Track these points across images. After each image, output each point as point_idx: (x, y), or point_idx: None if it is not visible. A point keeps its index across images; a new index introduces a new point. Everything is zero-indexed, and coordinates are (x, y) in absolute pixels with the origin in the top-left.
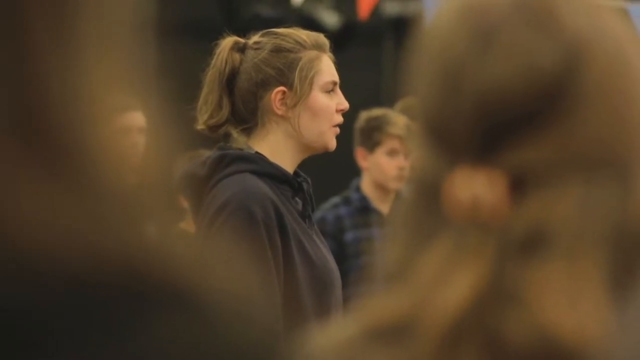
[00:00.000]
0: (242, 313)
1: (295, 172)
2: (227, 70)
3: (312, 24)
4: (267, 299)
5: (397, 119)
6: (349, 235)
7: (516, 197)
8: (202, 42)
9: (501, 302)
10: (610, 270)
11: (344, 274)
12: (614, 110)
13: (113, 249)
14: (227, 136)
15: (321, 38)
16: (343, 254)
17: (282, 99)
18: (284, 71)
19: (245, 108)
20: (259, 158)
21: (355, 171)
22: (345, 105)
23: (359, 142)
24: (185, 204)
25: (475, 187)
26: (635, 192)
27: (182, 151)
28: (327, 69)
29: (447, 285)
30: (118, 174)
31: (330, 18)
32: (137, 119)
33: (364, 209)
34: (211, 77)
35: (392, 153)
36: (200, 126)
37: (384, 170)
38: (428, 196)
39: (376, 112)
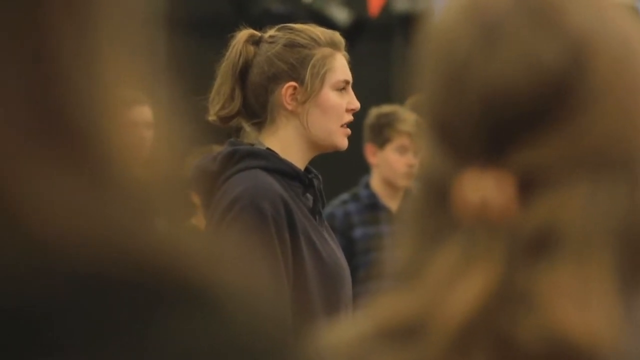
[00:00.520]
0: (253, 308)
1: (306, 169)
2: (240, 62)
3: (322, 20)
4: (277, 294)
5: (407, 116)
6: (358, 232)
7: (524, 198)
8: (212, 38)
9: (511, 304)
10: (619, 270)
11: (353, 271)
12: (621, 107)
13: (125, 244)
14: (238, 131)
15: (336, 36)
16: (351, 251)
17: (293, 94)
18: (296, 66)
19: (256, 101)
20: (270, 154)
21: (365, 168)
22: (356, 105)
23: (368, 139)
24: (196, 199)
25: (484, 189)
26: None
27: (193, 146)
28: (340, 68)
29: (457, 286)
30: (130, 168)
31: (341, 14)
32: (144, 113)
33: (373, 206)
34: (225, 69)
35: (401, 150)
36: (211, 117)
37: (393, 167)
38: (436, 196)
39: (386, 108)
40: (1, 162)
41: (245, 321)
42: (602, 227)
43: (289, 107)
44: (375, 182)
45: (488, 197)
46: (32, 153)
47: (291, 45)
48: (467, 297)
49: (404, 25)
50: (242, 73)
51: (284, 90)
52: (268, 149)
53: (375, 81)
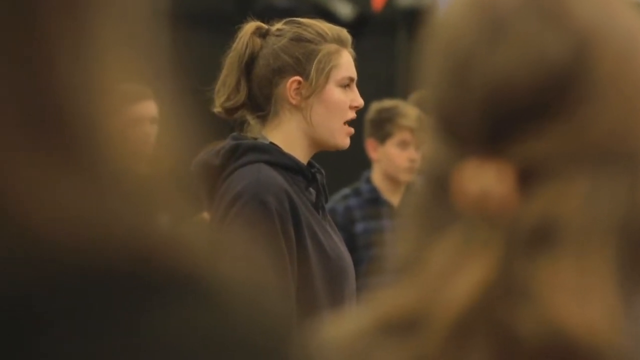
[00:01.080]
0: (255, 301)
1: (309, 163)
2: (247, 53)
3: (325, 15)
4: (281, 288)
5: (409, 111)
6: (359, 227)
7: (525, 190)
8: (216, 32)
9: (510, 296)
10: (619, 264)
11: (354, 266)
12: (623, 102)
13: (123, 237)
14: (241, 125)
15: (343, 33)
16: (353, 246)
17: (297, 88)
18: (302, 61)
19: (260, 94)
20: (273, 148)
21: (366, 163)
22: (359, 102)
23: (369, 133)
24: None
25: (483, 180)
26: None
27: (196, 142)
28: (345, 64)
29: (455, 278)
30: (129, 163)
31: (344, 9)
32: (149, 108)
33: (374, 200)
34: (231, 60)
35: (402, 145)
36: (216, 108)
37: (395, 161)
38: (438, 188)
39: (387, 103)
40: None
41: (243, 313)
42: (602, 220)
43: (293, 101)
44: (377, 176)
45: (488, 188)
46: (28, 149)
47: (298, 40)
48: (465, 288)
49: (407, 20)
50: (248, 65)
51: (288, 84)
52: (271, 143)
53: (379, 76)
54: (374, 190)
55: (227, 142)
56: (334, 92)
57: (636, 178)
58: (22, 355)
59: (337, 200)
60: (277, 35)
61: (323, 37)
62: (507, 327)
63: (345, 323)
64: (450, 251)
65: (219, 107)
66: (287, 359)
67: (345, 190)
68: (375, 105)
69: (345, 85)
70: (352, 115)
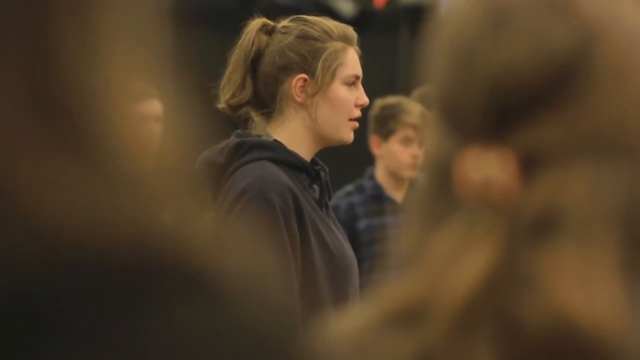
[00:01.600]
0: (262, 297)
1: (313, 160)
2: (253, 50)
3: (327, 12)
4: (285, 284)
5: (412, 108)
6: (362, 223)
7: (527, 178)
8: (219, 30)
9: (514, 284)
10: (622, 252)
11: (357, 262)
12: (626, 93)
13: (130, 232)
14: (245, 122)
15: (349, 30)
16: (356, 242)
17: (303, 86)
18: (308, 59)
19: (265, 91)
20: (277, 146)
21: (369, 159)
22: (364, 100)
23: (373, 130)
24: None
25: (486, 167)
26: None
27: (202, 139)
28: (351, 62)
29: (458, 266)
30: (137, 158)
31: (346, 6)
32: (154, 107)
33: (378, 197)
34: (236, 57)
35: (406, 141)
36: (221, 105)
37: (398, 158)
38: (441, 178)
39: (391, 100)
40: (5, 152)
41: (251, 309)
42: (604, 208)
43: (298, 99)
44: (380, 173)
45: (490, 176)
46: (35, 143)
47: (304, 37)
48: (468, 277)
49: (409, 18)
50: (254, 62)
51: (294, 82)
52: (275, 140)
53: (381, 73)
54: (377, 187)
55: (231, 140)
56: (339, 90)
57: (638, 167)
58: (28, 350)
59: (340, 197)
60: (284, 33)
61: (329, 35)
62: (511, 315)
63: (350, 318)
64: (453, 240)
65: (224, 103)
66: (295, 353)
67: (349, 187)
68: (379, 102)
69: (350, 83)
70: (357, 113)
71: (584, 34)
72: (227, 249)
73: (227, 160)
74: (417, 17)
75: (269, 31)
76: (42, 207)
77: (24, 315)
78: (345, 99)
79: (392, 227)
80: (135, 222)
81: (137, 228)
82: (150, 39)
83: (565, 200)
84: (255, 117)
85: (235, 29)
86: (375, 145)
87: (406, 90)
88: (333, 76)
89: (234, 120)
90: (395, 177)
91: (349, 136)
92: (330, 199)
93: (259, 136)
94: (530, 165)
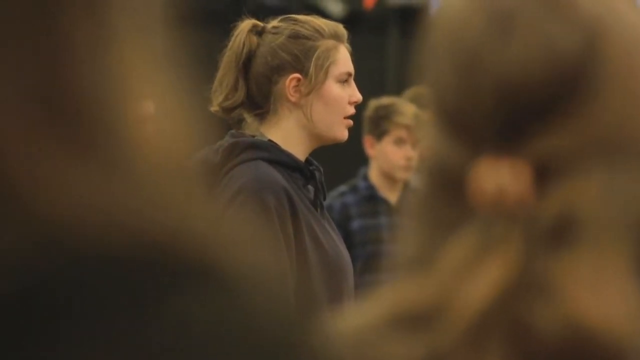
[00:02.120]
0: (268, 290)
1: (307, 160)
2: (244, 52)
3: (316, 13)
4: (284, 282)
5: (406, 109)
6: (355, 224)
7: (541, 186)
8: (207, 31)
9: (529, 292)
10: (635, 258)
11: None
12: (633, 94)
13: (137, 225)
14: (238, 123)
15: (340, 28)
16: (349, 243)
17: (296, 86)
18: (300, 58)
19: (259, 92)
20: (272, 146)
21: (363, 160)
22: (358, 97)
23: (367, 130)
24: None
25: (499, 177)
26: None
27: (202, 138)
28: (343, 60)
29: (474, 275)
30: (145, 153)
31: (335, 7)
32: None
33: (371, 198)
34: (228, 59)
35: (399, 142)
36: (214, 108)
37: (391, 159)
38: (448, 187)
39: (385, 100)
40: (15, 148)
41: (261, 303)
42: (619, 215)
43: (292, 99)
44: (374, 174)
45: (504, 186)
46: (44, 140)
47: (295, 37)
48: (484, 285)
49: (398, 18)
50: (246, 63)
51: (287, 82)
52: (270, 140)
53: (370, 74)
54: (370, 188)
55: (225, 140)
56: (332, 88)
57: None
58: (36, 345)
59: (334, 197)
60: (274, 33)
61: (320, 34)
62: (525, 323)
63: (356, 315)
64: (467, 249)
65: (217, 106)
66: (306, 347)
67: (342, 187)
68: (373, 103)
69: (343, 81)
70: (351, 110)
71: (588, 35)
72: (234, 243)
73: (222, 160)
74: (406, 18)
75: (259, 32)
76: (50, 200)
77: (27, 310)
78: (339, 96)
79: (386, 227)
80: (142, 216)
81: (145, 222)
82: (157, 38)
83: (580, 207)
84: (248, 118)
85: (223, 30)
86: (369, 146)
87: (396, 91)
88: (326, 74)
89: (226, 121)
90: (389, 177)
91: (343, 134)
92: (325, 199)
93: (253, 136)
94: (543, 173)
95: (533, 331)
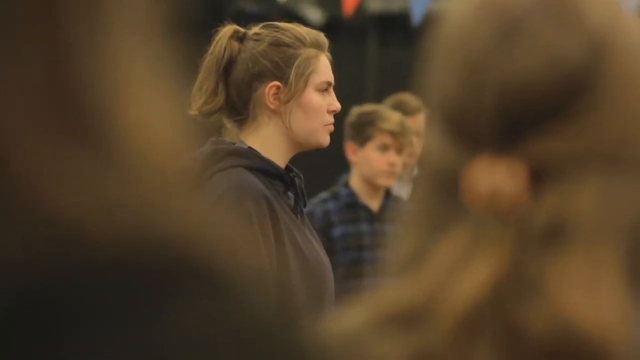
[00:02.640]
0: (268, 293)
1: (288, 167)
2: (225, 57)
3: (296, 20)
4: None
5: (390, 115)
6: (337, 231)
7: (536, 189)
8: (187, 37)
9: (520, 292)
10: (628, 263)
11: (332, 269)
12: (634, 104)
13: (138, 226)
14: (218, 129)
15: (321, 37)
16: (331, 249)
17: (276, 93)
18: (281, 66)
19: (238, 98)
20: (252, 153)
21: (344, 166)
22: (337, 106)
23: (349, 137)
24: None
25: (495, 178)
26: None
27: (194, 140)
28: (323, 69)
29: (465, 273)
30: (146, 154)
31: (314, 14)
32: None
33: (352, 205)
34: (208, 64)
35: (383, 148)
36: (193, 112)
37: (374, 165)
38: (444, 186)
39: (368, 107)
40: (15, 146)
41: (261, 305)
42: (612, 220)
43: (272, 106)
44: (355, 180)
45: (499, 186)
46: (44, 137)
47: (277, 44)
48: (474, 284)
49: (377, 26)
50: (226, 69)
51: (267, 89)
52: (249, 147)
53: (349, 81)
54: (352, 194)
55: (205, 147)
56: (312, 97)
57: None
58: (39, 346)
59: (315, 203)
60: (256, 40)
61: (302, 42)
62: (515, 322)
63: (347, 316)
64: (459, 247)
65: (196, 110)
66: (303, 348)
67: (324, 194)
68: (356, 109)
69: (323, 90)
70: (330, 119)
71: (593, 45)
72: (232, 245)
73: (202, 168)
74: (385, 25)
75: (240, 38)
76: (52, 201)
77: (31, 313)
78: (318, 105)
79: (367, 234)
80: (144, 217)
81: (146, 223)
82: (154, 37)
83: (574, 210)
84: (228, 124)
85: (203, 35)
86: (351, 152)
87: (375, 98)
88: (306, 83)
89: (207, 127)
90: (370, 184)
91: (325, 139)
92: (305, 206)
93: (233, 143)
94: (539, 176)
95: (523, 331)
